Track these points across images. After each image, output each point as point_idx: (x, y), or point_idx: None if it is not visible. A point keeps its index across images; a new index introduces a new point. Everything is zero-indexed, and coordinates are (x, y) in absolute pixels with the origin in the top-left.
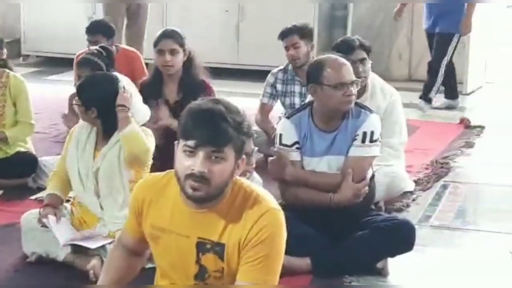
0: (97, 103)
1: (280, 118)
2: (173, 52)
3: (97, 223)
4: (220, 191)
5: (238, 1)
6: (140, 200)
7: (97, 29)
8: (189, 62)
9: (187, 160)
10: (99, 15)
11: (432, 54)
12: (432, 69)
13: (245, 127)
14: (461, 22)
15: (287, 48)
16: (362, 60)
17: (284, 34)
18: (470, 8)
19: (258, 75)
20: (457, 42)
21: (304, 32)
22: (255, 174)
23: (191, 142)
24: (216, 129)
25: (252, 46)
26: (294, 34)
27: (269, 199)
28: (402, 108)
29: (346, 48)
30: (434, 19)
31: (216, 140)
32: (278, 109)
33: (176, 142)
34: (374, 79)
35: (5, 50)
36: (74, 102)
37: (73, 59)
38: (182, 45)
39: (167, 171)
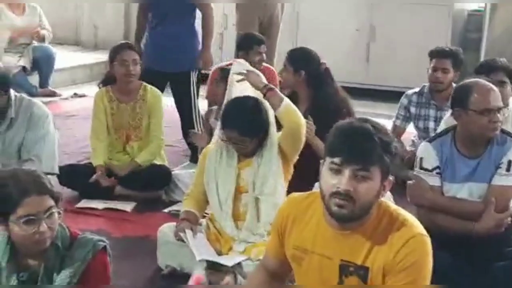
0: (262, 131)
1: (413, 141)
2: None
3: (234, 240)
4: (365, 211)
5: (369, 21)
6: (285, 217)
7: None
8: None
9: (333, 178)
10: None
11: None
12: None
13: (392, 148)
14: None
15: (434, 69)
16: (501, 83)
17: (438, 55)
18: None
19: (387, 95)
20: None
21: (457, 60)
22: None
23: (337, 159)
24: (363, 147)
25: (382, 67)
26: (448, 59)
27: (417, 224)
28: None
29: (487, 68)
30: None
31: (362, 158)
32: (410, 131)
33: (321, 160)
34: None
35: None
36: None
37: (205, 74)
38: None
39: (311, 191)
